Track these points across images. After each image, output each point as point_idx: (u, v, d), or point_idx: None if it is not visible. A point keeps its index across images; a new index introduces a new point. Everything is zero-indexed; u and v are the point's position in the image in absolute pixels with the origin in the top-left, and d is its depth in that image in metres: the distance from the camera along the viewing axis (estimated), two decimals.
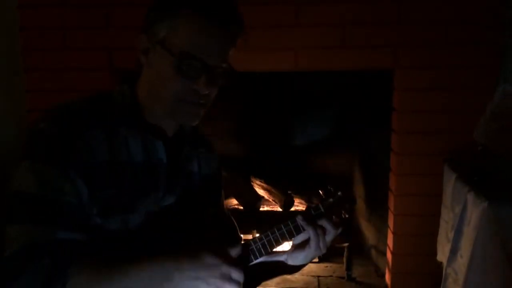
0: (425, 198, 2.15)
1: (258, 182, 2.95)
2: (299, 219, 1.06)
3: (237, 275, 0.91)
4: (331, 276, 2.44)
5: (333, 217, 1.08)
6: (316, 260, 2.56)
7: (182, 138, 1.09)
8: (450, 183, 1.81)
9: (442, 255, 1.85)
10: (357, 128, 2.69)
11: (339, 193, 1.10)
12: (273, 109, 2.84)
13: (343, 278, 2.40)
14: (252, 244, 1.06)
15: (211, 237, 1.02)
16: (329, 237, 1.08)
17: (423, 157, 2.13)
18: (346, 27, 2.06)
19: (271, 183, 2.89)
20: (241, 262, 0.95)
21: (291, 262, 1.13)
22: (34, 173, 0.88)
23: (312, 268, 2.51)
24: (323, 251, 1.08)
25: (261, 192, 2.94)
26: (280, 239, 1.06)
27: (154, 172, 1.01)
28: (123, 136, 0.98)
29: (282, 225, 1.07)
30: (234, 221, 1.19)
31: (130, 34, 2.03)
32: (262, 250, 1.06)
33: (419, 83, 2.09)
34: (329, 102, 2.78)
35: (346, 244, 2.40)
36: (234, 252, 0.96)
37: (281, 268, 1.14)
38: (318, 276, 2.43)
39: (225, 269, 0.90)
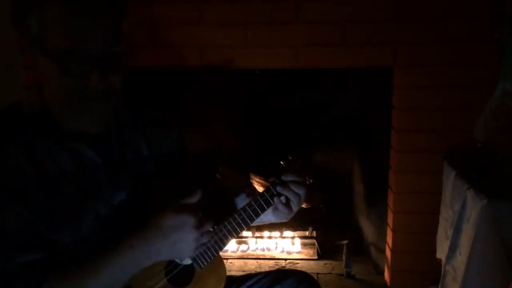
0: (424, 196, 2.15)
1: (257, 179, 2.94)
2: (274, 187, 1.09)
3: (207, 223, 0.93)
4: (330, 273, 2.44)
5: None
6: (315, 257, 2.56)
7: (118, 127, 1.02)
8: (449, 180, 1.81)
9: (441, 253, 1.85)
10: (357, 126, 2.68)
11: (300, 160, 1.13)
12: (272, 106, 2.83)
13: (342, 275, 2.40)
14: (237, 216, 1.08)
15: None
16: (298, 191, 1.10)
17: (422, 154, 2.13)
18: (345, 24, 2.05)
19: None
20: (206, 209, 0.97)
21: (275, 219, 1.17)
22: None
23: (311, 265, 2.51)
24: (297, 206, 1.12)
25: (260, 189, 2.93)
26: (253, 216, 1.10)
27: (90, 176, 0.95)
28: (45, 148, 0.91)
29: (251, 201, 1.10)
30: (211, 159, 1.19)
31: (129, 29, 2.05)
32: (238, 228, 1.09)
33: (418, 81, 2.08)
34: (329, 100, 2.78)
35: (345, 242, 2.40)
36: (194, 199, 0.96)
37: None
38: (317, 273, 2.43)
39: (192, 220, 0.91)
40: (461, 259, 1.61)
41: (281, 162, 1.14)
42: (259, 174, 2.95)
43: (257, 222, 1.14)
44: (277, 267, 2.48)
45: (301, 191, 1.10)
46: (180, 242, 0.91)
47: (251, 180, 2.95)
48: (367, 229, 2.64)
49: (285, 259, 2.55)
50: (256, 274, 1.23)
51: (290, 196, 1.10)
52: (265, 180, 2.91)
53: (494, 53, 2.03)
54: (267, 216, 1.15)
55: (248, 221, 1.09)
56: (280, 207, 1.10)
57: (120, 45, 0.87)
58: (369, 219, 2.61)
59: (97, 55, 0.84)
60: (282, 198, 1.10)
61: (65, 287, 0.86)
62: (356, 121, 2.67)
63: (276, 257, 2.56)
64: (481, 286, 1.50)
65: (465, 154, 1.96)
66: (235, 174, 2.86)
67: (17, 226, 0.86)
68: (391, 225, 2.25)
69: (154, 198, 1.02)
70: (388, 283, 2.29)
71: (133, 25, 0.97)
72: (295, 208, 1.12)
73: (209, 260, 1.05)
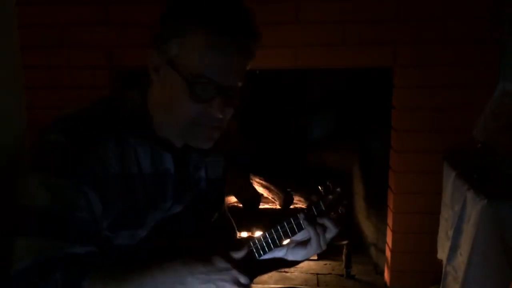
0: (424, 196, 2.15)
1: (257, 180, 2.94)
2: (301, 217, 1.04)
3: (245, 279, 0.92)
4: (330, 273, 2.44)
5: (332, 213, 1.08)
6: (315, 257, 2.56)
7: (190, 146, 1.05)
8: (449, 180, 1.81)
9: (442, 253, 1.85)
10: (357, 126, 2.68)
11: (338, 189, 1.09)
12: (272, 106, 2.83)
13: (342, 275, 2.40)
14: (257, 242, 1.06)
15: (219, 242, 1.03)
16: (329, 235, 1.07)
17: (422, 155, 2.13)
18: (346, 24, 2.05)
19: (271, 181, 2.89)
20: (246, 266, 0.96)
21: (291, 257, 1.12)
22: (47, 187, 0.86)
23: (311, 265, 2.51)
24: (323, 248, 1.07)
25: (260, 189, 2.94)
26: (282, 237, 1.07)
27: (162, 183, 0.99)
28: (132, 145, 0.95)
29: (284, 222, 1.07)
30: (233, 222, 1.20)
31: (129, 31, 2.06)
32: (266, 247, 1.06)
33: (418, 81, 2.08)
34: (329, 100, 2.78)
35: (345, 242, 2.40)
36: (240, 255, 0.98)
37: (281, 263, 1.14)
38: (317, 274, 2.43)
39: (235, 273, 0.91)
40: (462, 259, 1.61)
41: (319, 187, 1.10)
42: (258, 174, 2.95)
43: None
44: None
45: (335, 230, 1.05)
46: (212, 286, 0.91)
47: (251, 180, 2.96)
48: (367, 229, 2.64)
49: None
50: None
51: (328, 225, 1.04)
52: (265, 180, 2.91)
53: (494, 53, 2.04)
54: (282, 251, 1.12)
55: (282, 240, 1.06)
56: (313, 235, 1.04)
57: (242, 81, 0.94)
58: (369, 220, 2.61)
59: (225, 86, 0.91)
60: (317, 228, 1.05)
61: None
62: (356, 121, 2.67)
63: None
64: (482, 286, 1.50)
65: (465, 154, 1.96)
66: (234, 174, 2.86)
67: (85, 217, 0.88)
68: (390, 226, 2.25)
69: (201, 220, 1.07)
70: (388, 283, 2.29)
71: None
72: (323, 245, 1.05)
73: None
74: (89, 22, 2.08)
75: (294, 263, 1.14)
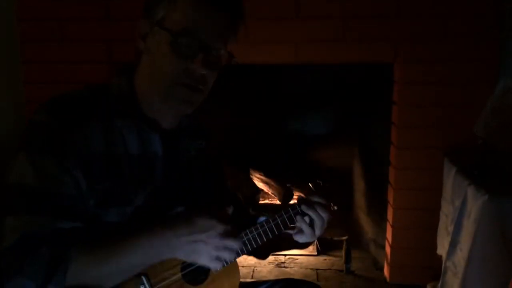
0: (424, 192, 2.15)
1: (257, 175, 2.95)
2: (299, 205, 1.09)
3: (231, 232, 0.94)
4: (329, 269, 2.44)
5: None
6: (315, 253, 2.57)
7: (181, 132, 1.08)
8: (450, 176, 1.82)
9: (441, 249, 1.86)
10: (357, 122, 2.68)
11: (327, 186, 1.12)
12: (273, 102, 2.83)
13: (341, 271, 2.40)
14: (259, 227, 1.07)
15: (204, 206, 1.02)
16: (318, 225, 1.10)
17: (423, 150, 2.13)
18: (346, 20, 2.05)
19: (270, 176, 2.89)
20: (235, 227, 0.97)
21: (297, 239, 1.14)
22: (33, 165, 0.88)
23: (311, 261, 2.51)
24: (321, 232, 1.11)
25: (260, 185, 2.94)
26: (282, 224, 1.09)
27: (149, 165, 1.01)
28: (119, 128, 0.97)
29: (276, 215, 1.09)
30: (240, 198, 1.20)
31: (129, 26, 2.05)
32: (257, 239, 1.08)
33: (419, 77, 2.08)
34: (329, 95, 2.78)
35: (345, 238, 2.40)
36: (227, 212, 0.98)
37: (289, 242, 1.16)
38: (317, 269, 2.43)
39: (220, 228, 0.92)
40: (461, 255, 1.62)
41: (310, 184, 1.13)
42: (258, 169, 2.96)
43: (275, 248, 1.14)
44: (276, 262, 2.48)
45: (325, 214, 1.09)
46: (200, 244, 0.91)
47: (251, 176, 2.96)
48: (367, 225, 2.64)
49: (285, 255, 2.55)
50: (265, 281, 1.24)
51: (314, 217, 1.08)
52: (265, 175, 2.92)
53: (495, 49, 2.03)
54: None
55: (269, 234, 1.07)
56: (304, 227, 1.09)
57: (227, 50, 0.97)
58: (368, 215, 2.62)
59: (208, 44, 0.94)
60: (306, 218, 1.09)
61: (87, 261, 0.87)
62: (357, 117, 2.67)
63: (276, 252, 2.56)
64: (482, 282, 1.51)
65: (466, 150, 1.97)
66: (234, 169, 2.86)
67: (71, 194, 0.89)
68: (390, 221, 2.26)
69: (190, 205, 1.06)
70: (388, 279, 2.30)
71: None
72: (317, 231, 1.10)
73: (225, 264, 1.04)
74: (89, 17, 2.07)
75: (301, 245, 1.17)
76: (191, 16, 0.92)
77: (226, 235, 0.92)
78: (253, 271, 2.40)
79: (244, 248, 1.06)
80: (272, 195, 2.92)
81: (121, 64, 2.17)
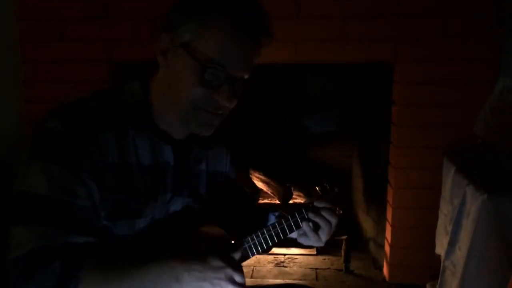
0: (423, 191, 2.15)
1: (256, 175, 2.95)
2: (306, 211, 1.09)
3: (240, 277, 0.94)
4: (329, 268, 2.44)
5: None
6: (314, 252, 2.57)
7: (192, 140, 1.07)
8: (449, 176, 1.82)
9: (440, 248, 1.86)
10: (357, 121, 2.69)
11: (335, 190, 1.12)
12: (273, 102, 2.83)
13: (341, 270, 2.40)
14: (255, 238, 1.07)
15: (216, 237, 1.04)
16: (324, 231, 1.10)
17: (422, 150, 2.13)
18: (346, 19, 2.05)
19: (270, 176, 2.89)
20: (240, 265, 0.99)
21: (301, 241, 1.15)
22: (46, 175, 0.87)
23: (310, 260, 2.51)
24: (328, 236, 1.11)
25: (259, 184, 2.94)
26: (280, 234, 1.09)
27: (161, 175, 1.00)
28: (132, 137, 0.96)
29: (282, 220, 1.09)
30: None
31: (129, 26, 2.05)
32: (263, 244, 1.08)
33: (419, 77, 2.08)
34: (329, 95, 2.78)
35: (344, 237, 2.40)
36: (236, 256, 1.01)
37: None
38: (316, 269, 2.43)
39: (230, 271, 0.93)
40: (460, 254, 1.62)
41: (317, 188, 1.13)
42: (258, 169, 2.95)
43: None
44: (276, 262, 2.48)
45: (332, 219, 1.09)
46: (208, 284, 0.92)
47: (250, 175, 2.96)
48: (366, 224, 2.65)
49: (284, 254, 2.55)
50: (265, 286, 1.26)
51: (321, 223, 1.08)
52: (265, 175, 2.91)
53: (495, 49, 2.03)
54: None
55: (275, 239, 1.08)
56: (309, 232, 1.09)
57: (249, 74, 0.97)
58: (368, 214, 2.62)
59: (235, 76, 0.93)
60: (311, 223, 1.09)
61: (97, 281, 0.86)
62: (356, 116, 2.67)
63: (275, 252, 2.56)
64: (481, 281, 1.51)
65: (465, 150, 1.97)
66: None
67: (84, 205, 0.88)
68: (390, 220, 2.26)
69: (200, 214, 1.08)
70: (387, 278, 2.30)
71: None
72: (323, 237, 1.10)
73: None
74: (88, 16, 2.07)
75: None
76: (223, 48, 0.90)
77: (233, 281, 0.93)
78: (253, 271, 2.40)
79: (250, 254, 1.07)
80: (272, 195, 2.92)
81: (120, 65, 2.20)
